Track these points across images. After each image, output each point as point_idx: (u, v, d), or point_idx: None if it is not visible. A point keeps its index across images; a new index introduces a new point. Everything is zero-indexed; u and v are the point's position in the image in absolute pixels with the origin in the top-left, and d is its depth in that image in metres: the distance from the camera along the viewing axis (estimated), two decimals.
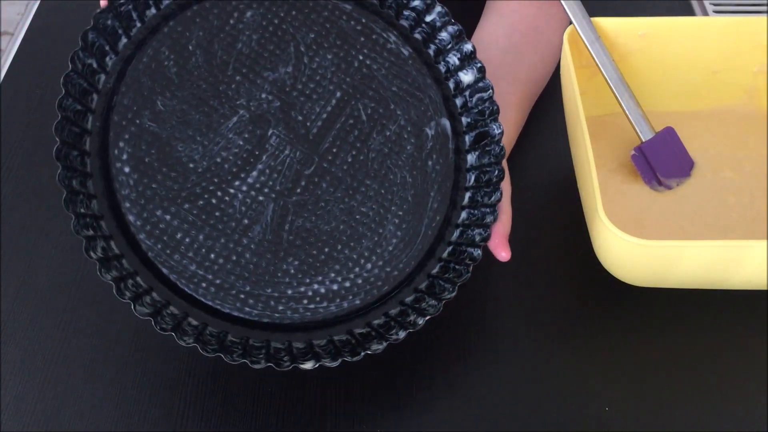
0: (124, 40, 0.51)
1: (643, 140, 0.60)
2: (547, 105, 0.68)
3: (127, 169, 0.49)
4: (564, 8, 0.59)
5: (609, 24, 0.61)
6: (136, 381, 0.53)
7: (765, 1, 0.84)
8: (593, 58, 0.59)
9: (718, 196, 0.61)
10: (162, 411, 0.52)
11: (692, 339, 0.56)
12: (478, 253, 0.51)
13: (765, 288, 0.55)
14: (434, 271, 0.52)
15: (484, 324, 0.57)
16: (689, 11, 0.82)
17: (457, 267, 0.51)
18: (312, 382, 0.53)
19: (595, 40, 0.59)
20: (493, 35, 0.66)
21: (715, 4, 0.84)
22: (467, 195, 0.53)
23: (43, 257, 0.59)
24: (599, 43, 0.59)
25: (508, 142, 0.60)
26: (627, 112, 0.60)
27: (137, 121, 0.50)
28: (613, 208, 0.60)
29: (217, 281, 0.49)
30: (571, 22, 0.59)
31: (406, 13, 0.54)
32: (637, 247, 0.49)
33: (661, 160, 0.60)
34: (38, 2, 0.82)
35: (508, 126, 0.60)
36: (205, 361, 0.53)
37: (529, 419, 0.52)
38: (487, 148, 0.53)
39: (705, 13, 0.82)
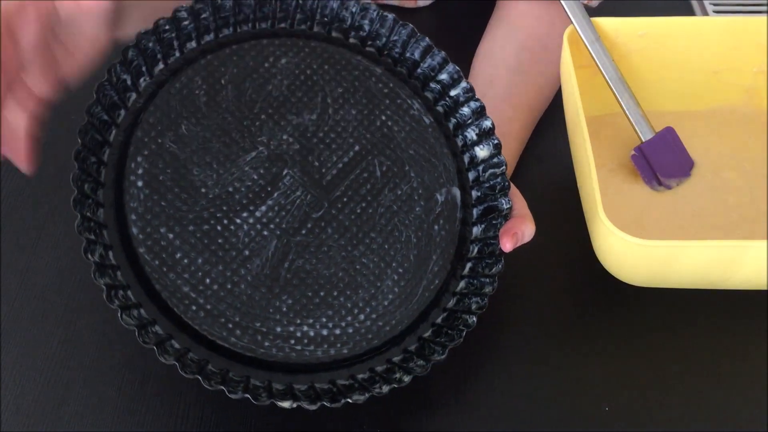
0: (161, 65, 0.52)
1: (643, 140, 0.60)
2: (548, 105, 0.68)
3: (140, 183, 0.50)
4: (564, 8, 0.59)
5: (609, 24, 0.61)
6: (136, 381, 0.53)
7: (765, 1, 0.84)
8: (593, 58, 0.59)
9: (718, 196, 0.61)
10: (162, 411, 0.52)
11: (692, 339, 0.56)
12: (473, 320, 0.51)
13: (765, 288, 0.55)
14: (426, 334, 0.51)
15: (483, 324, 0.56)
16: (689, 11, 0.82)
17: (449, 332, 0.51)
18: None
19: (595, 40, 0.59)
20: (503, 52, 0.65)
21: (715, 4, 0.84)
22: (468, 265, 0.53)
23: (43, 257, 0.59)
24: (599, 43, 0.59)
25: (507, 170, 0.60)
26: (627, 112, 0.60)
27: (159, 140, 0.51)
28: (613, 208, 0.60)
29: (208, 306, 0.49)
30: (571, 22, 0.59)
31: (432, 85, 0.56)
32: (637, 247, 0.49)
33: (661, 160, 0.60)
34: None
35: (509, 155, 0.60)
36: None
37: (528, 419, 0.52)
38: (493, 222, 0.53)
39: (705, 13, 0.82)
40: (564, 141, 0.62)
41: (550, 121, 0.67)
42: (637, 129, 0.60)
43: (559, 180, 0.65)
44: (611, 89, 0.59)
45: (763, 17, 0.61)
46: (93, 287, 0.58)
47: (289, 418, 0.51)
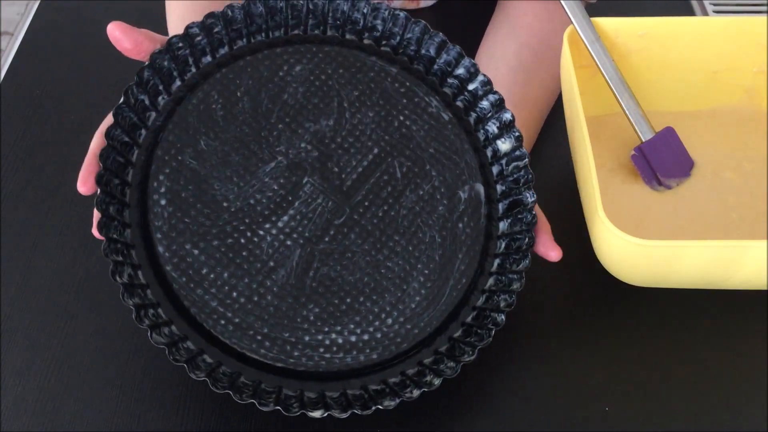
0: (178, 82, 0.53)
1: (643, 140, 0.60)
2: None
3: (163, 202, 0.50)
4: (564, 8, 0.59)
5: (609, 24, 0.61)
6: (136, 381, 0.53)
7: (765, 1, 0.84)
8: (593, 58, 0.59)
9: (718, 196, 0.61)
10: (162, 411, 0.52)
11: (692, 339, 0.56)
12: (501, 318, 0.50)
13: (765, 288, 0.55)
14: (456, 334, 0.51)
15: None
16: (689, 11, 0.82)
17: (479, 331, 0.50)
18: None
19: (595, 40, 0.59)
20: (504, 51, 0.65)
21: (715, 4, 0.84)
22: (496, 262, 0.53)
23: (43, 257, 0.59)
24: (599, 43, 0.59)
25: None
26: (627, 112, 0.60)
27: (179, 158, 0.51)
28: (613, 208, 0.60)
29: (236, 320, 0.49)
30: (571, 22, 0.59)
31: (449, 80, 0.55)
32: (637, 247, 0.49)
33: (661, 160, 0.60)
34: (38, 2, 0.82)
35: None
36: None
37: (528, 419, 0.52)
38: (519, 216, 0.53)
39: (705, 13, 0.82)
40: (564, 141, 0.62)
41: (550, 121, 0.67)
42: (637, 129, 0.60)
43: (559, 180, 0.65)
44: (611, 89, 0.59)
45: (763, 17, 0.61)
46: (93, 287, 0.58)
47: (289, 417, 0.51)
